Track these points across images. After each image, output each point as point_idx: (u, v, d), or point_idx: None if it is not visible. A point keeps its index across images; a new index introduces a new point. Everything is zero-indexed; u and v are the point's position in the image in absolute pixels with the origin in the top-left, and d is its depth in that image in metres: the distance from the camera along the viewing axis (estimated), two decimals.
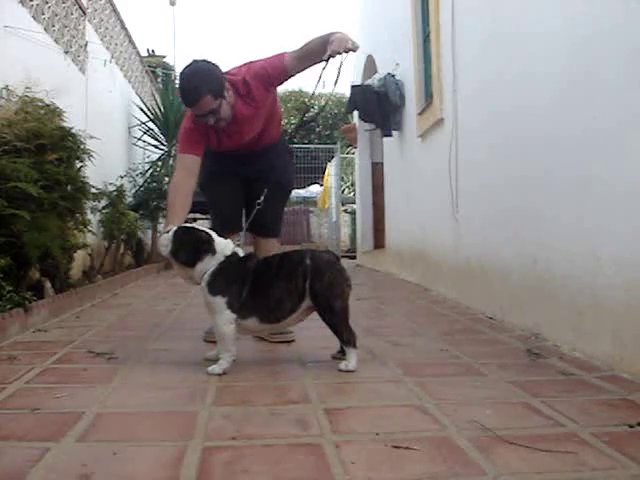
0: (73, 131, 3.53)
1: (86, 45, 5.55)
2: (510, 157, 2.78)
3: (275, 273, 1.94)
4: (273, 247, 2.60)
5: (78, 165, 3.62)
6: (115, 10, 6.91)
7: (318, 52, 2.18)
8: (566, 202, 2.21)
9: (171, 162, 7.98)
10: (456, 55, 3.59)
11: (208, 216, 8.24)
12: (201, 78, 2.14)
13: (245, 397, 1.60)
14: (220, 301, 1.87)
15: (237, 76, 2.26)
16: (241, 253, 2.01)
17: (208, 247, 1.93)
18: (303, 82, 20.08)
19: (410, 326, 2.72)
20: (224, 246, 1.96)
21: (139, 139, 7.84)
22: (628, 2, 1.79)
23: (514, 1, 2.76)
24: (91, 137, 3.93)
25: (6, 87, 3.41)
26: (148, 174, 7.54)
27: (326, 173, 10.78)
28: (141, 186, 7.24)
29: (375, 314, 3.15)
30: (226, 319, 1.87)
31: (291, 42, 46.37)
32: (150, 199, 7.11)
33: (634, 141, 1.76)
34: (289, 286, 1.90)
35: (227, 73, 2.28)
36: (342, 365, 1.88)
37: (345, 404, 1.53)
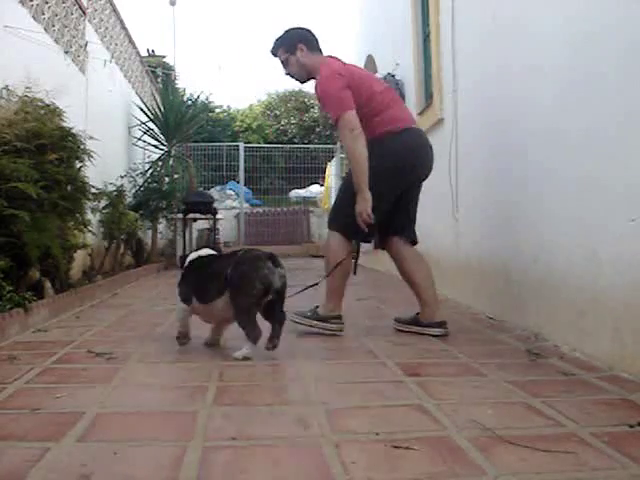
0: (73, 131, 3.53)
1: (86, 45, 5.54)
2: (510, 157, 2.78)
3: (216, 264, 2.15)
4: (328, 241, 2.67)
5: (78, 165, 3.61)
6: (115, 10, 6.90)
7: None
8: (566, 202, 2.21)
9: (171, 162, 7.99)
10: (456, 55, 3.59)
11: (208, 216, 8.24)
12: (282, 35, 2.71)
13: (245, 397, 1.60)
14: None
15: (332, 66, 2.56)
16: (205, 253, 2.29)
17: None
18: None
19: None
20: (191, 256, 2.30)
21: (139, 139, 7.84)
22: (628, 1, 1.79)
23: (514, 0, 2.76)
24: (91, 137, 3.93)
25: (6, 87, 3.40)
26: (148, 174, 7.54)
27: (326, 173, 10.78)
28: (141, 186, 7.24)
29: (375, 314, 3.15)
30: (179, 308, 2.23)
31: None
32: (150, 199, 7.11)
33: (634, 141, 1.76)
34: (217, 273, 2.07)
35: (335, 58, 2.66)
36: (236, 354, 2.00)
37: (345, 404, 1.53)
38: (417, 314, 2.56)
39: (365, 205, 2.42)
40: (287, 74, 2.74)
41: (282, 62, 2.71)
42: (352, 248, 2.58)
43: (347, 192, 2.52)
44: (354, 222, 2.45)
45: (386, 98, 2.57)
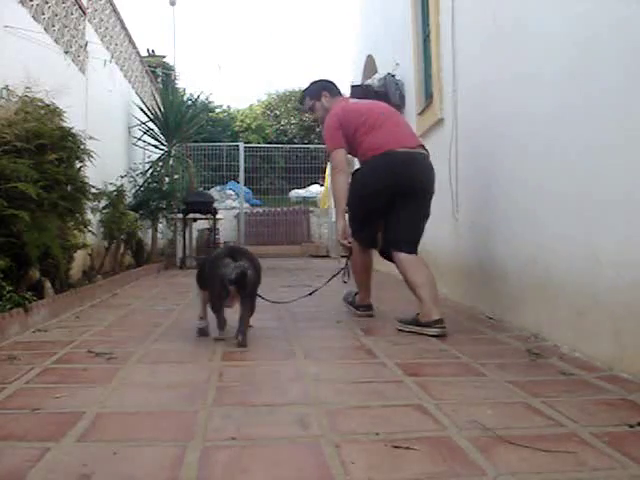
0: (73, 131, 3.53)
1: (86, 45, 5.55)
2: (510, 157, 2.78)
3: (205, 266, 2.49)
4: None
5: (78, 165, 3.62)
6: (115, 10, 6.91)
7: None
8: (566, 202, 2.21)
9: (171, 162, 7.99)
10: (456, 55, 3.59)
11: (208, 216, 8.26)
12: (308, 86, 3.29)
13: (245, 397, 1.60)
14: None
15: (336, 108, 3.04)
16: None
17: None
18: (303, 82, 20.05)
19: None
20: None
21: (139, 139, 7.84)
22: (629, 2, 1.79)
23: (514, 1, 2.76)
24: (91, 137, 3.93)
25: (6, 87, 3.40)
26: (148, 174, 7.54)
27: (326, 173, 10.77)
28: (141, 186, 7.24)
29: (375, 314, 3.14)
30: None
31: (291, 42, 46.29)
32: (150, 199, 7.11)
33: (634, 141, 1.76)
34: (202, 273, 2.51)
35: (345, 100, 3.19)
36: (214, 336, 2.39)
37: (345, 404, 1.53)
38: (417, 314, 2.57)
39: (338, 230, 3.02)
40: (315, 119, 3.54)
41: (309, 108, 3.29)
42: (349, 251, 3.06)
43: (350, 209, 2.97)
44: (359, 233, 2.99)
45: (370, 127, 2.87)
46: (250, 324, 2.44)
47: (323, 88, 3.22)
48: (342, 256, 3.15)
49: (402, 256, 2.74)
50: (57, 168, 3.22)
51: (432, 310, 2.53)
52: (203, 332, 2.47)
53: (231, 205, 11.65)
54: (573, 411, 1.44)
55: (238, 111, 19.48)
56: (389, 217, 2.84)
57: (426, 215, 2.90)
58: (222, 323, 2.35)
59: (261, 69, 42.84)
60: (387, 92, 5.20)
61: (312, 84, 3.28)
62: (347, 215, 3.00)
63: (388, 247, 2.84)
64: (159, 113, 7.95)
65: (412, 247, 2.77)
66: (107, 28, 6.54)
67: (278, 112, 18.92)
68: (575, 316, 2.10)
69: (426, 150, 2.89)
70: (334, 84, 3.26)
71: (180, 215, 7.40)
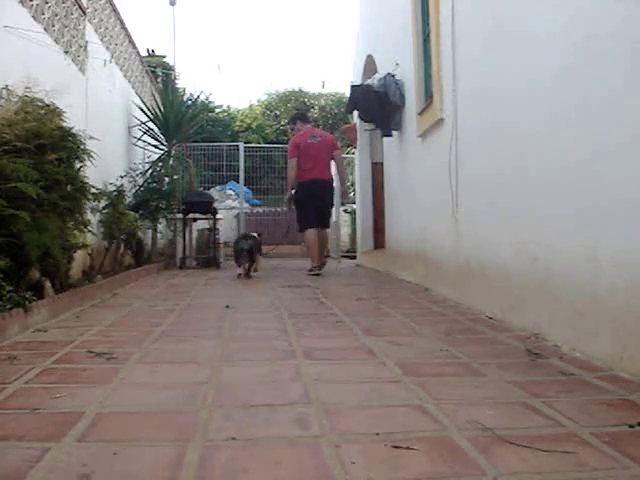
0: (73, 131, 3.53)
1: (86, 45, 5.55)
2: (510, 157, 2.78)
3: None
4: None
5: (78, 165, 3.62)
6: (115, 10, 6.90)
7: None
8: (566, 201, 2.21)
9: (171, 162, 7.99)
10: (456, 55, 3.59)
11: (208, 216, 8.31)
12: (292, 116, 6.93)
13: (245, 397, 1.60)
14: None
15: (304, 133, 6.00)
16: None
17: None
18: (303, 82, 20.05)
19: (410, 326, 2.72)
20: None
21: (139, 139, 7.83)
22: (628, 2, 1.80)
23: (514, 1, 2.76)
24: (91, 137, 3.93)
25: (6, 87, 3.40)
26: (148, 174, 7.53)
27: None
28: (141, 186, 7.23)
29: (375, 314, 3.15)
30: None
31: (291, 42, 46.27)
32: (150, 199, 7.10)
33: (635, 140, 1.76)
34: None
35: (304, 132, 6.06)
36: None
37: (345, 404, 1.53)
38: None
39: (287, 197, 5.96)
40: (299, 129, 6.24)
41: (291, 128, 6.39)
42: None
43: (297, 209, 5.92)
44: (302, 219, 5.83)
45: (303, 163, 5.73)
46: (257, 271, 5.45)
47: (298, 118, 6.30)
48: (287, 203, 6.05)
49: (320, 231, 5.76)
50: (57, 168, 3.22)
51: (314, 262, 5.63)
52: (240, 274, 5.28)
53: (231, 205, 11.64)
54: (573, 411, 1.44)
55: (238, 111, 19.48)
56: (317, 213, 5.70)
57: (330, 212, 6.20)
58: (240, 266, 5.19)
59: (261, 69, 42.86)
60: (387, 92, 5.20)
61: (294, 115, 6.64)
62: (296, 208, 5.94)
63: (318, 226, 5.72)
64: (159, 113, 7.94)
65: (324, 226, 5.86)
66: (107, 28, 6.54)
67: (278, 112, 18.92)
68: (575, 316, 2.10)
69: (331, 177, 5.96)
70: (305, 115, 6.66)
71: (180, 215, 7.40)
